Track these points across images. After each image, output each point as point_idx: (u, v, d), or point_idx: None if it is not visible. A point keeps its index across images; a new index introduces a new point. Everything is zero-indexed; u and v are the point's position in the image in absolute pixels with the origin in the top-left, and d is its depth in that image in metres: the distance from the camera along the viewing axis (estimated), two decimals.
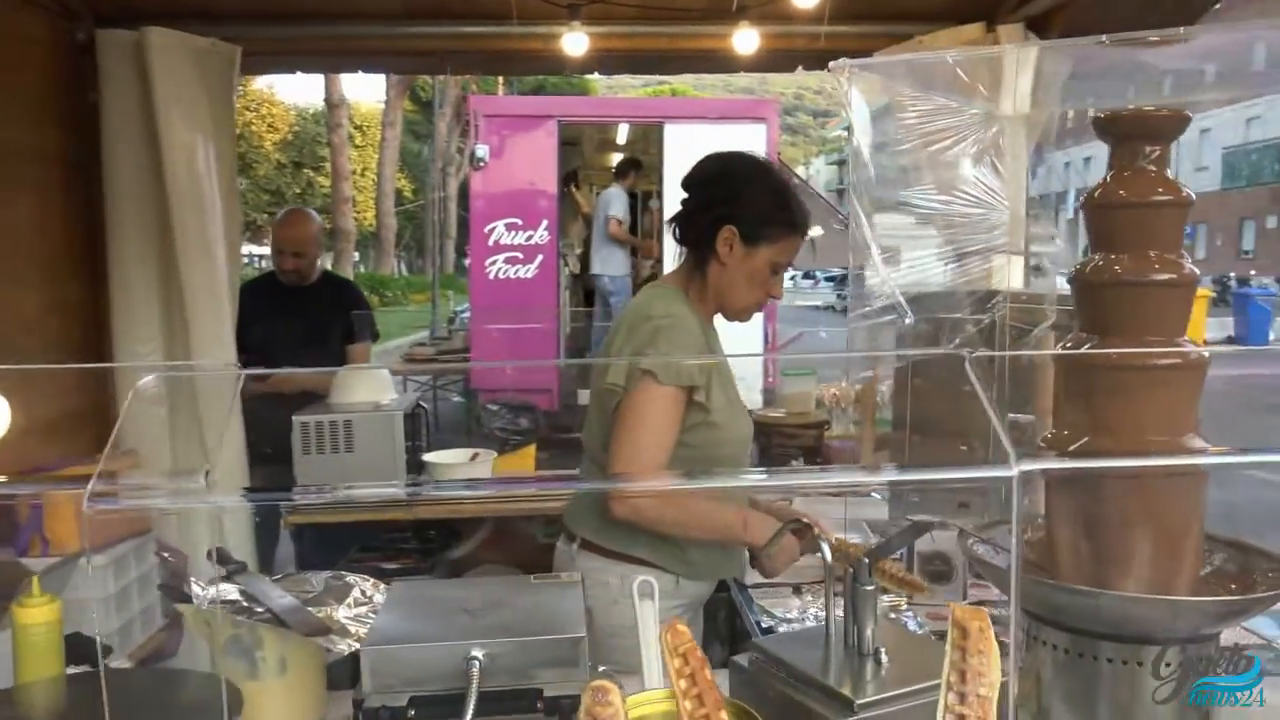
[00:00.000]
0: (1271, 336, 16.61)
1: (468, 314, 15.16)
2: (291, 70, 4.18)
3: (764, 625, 2.08)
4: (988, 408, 0.73)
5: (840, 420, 3.81)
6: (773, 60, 4.05)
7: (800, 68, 4.25)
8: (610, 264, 8.52)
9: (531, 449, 5.50)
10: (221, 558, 1.73)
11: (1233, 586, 1.43)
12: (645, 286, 1.95)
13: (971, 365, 0.80)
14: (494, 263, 8.07)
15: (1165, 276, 1.37)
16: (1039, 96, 2.07)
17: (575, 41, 3.72)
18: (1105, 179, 1.43)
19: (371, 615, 1.68)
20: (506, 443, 5.61)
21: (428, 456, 3.61)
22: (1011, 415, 2.37)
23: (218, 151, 3.35)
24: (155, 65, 3.13)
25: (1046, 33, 3.55)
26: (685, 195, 1.88)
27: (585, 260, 10.03)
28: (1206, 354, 1.37)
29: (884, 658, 1.14)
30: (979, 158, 1.66)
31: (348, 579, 1.75)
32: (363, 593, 1.71)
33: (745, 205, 1.80)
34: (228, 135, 3.48)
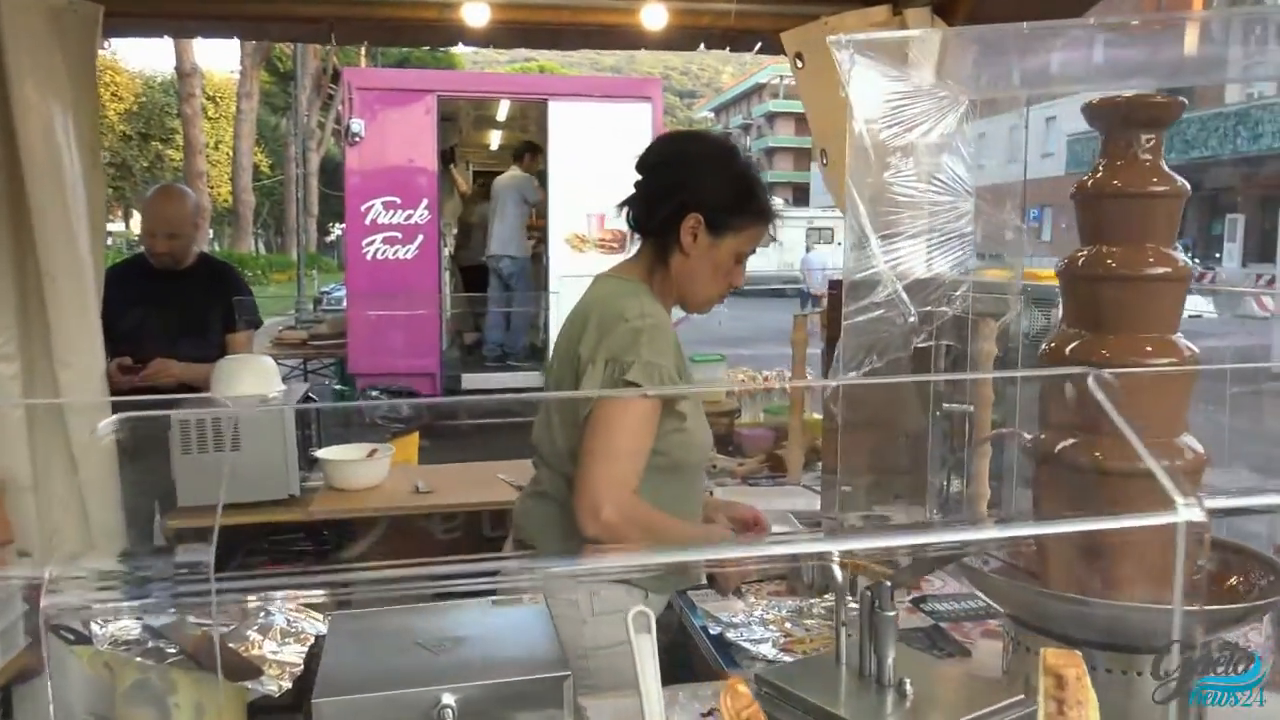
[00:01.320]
0: None
1: (337, 293, 14.57)
2: (160, 34, 3.82)
3: (712, 631, 1.98)
4: (1132, 438, 0.63)
5: (749, 408, 3.77)
6: (678, 37, 3.93)
7: (702, 45, 4.15)
8: (512, 245, 8.33)
9: (414, 438, 5.28)
10: None
11: (1226, 587, 1.40)
12: (599, 277, 1.80)
13: (1098, 385, 0.71)
14: (371, 243, 7.74)
15: (1161, 270, 1.32)
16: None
17: (476, 12, 3.52)
18: (1098, 167, 1.37)
19: (300, 647, 1.50)
20: (388, 431, 5.37)
21: (321, 453, 3.39)
22: (946, 405, 2.33)
23: (78, 123, 3.02)
24: (5, 23, 2.78)
25: (951, 18, 3.55)
26: (641, 179, 1.74)
27: (461, 240, 9.75)
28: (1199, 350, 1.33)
29: (909, 689, 1.05)
30: (948, 143, 1.58)
31: (269, 604, 1.57)
32: (289, 622, 1.53)
33: (711, 192, 1.67)
34: (89, 105, 3.14)
